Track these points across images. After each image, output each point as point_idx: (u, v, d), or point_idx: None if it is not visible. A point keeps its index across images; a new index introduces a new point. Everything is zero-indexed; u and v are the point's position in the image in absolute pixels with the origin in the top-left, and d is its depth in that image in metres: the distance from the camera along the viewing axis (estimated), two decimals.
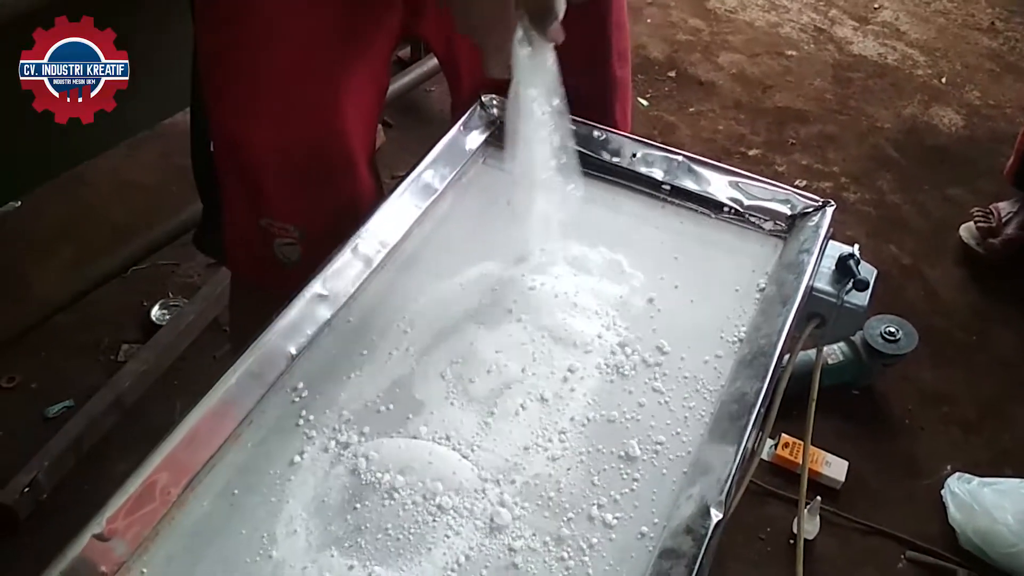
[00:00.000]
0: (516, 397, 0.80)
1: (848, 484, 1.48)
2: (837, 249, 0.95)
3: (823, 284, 0.93)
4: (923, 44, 2.64)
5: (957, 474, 1.47)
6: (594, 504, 0.73)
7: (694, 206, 1.02)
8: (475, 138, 1.07)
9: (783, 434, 1.51)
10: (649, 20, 2.65)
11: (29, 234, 1.84)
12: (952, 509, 1.42)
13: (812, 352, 1.11)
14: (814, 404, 0.99)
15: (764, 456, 1.48)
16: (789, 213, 0.98)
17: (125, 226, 1.82)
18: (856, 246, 0.96)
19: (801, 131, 2.31)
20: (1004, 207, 1.95)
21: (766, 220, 0.99)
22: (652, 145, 1.04)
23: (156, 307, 1.71)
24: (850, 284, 0.93)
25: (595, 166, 1.04)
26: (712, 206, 1.01)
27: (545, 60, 0.86)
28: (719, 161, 1.04)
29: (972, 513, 1.39)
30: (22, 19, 1.03)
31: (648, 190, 1.03)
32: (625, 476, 0.75)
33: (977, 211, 1.99)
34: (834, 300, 0.93)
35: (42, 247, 1.82)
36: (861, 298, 0.93)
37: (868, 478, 1.51)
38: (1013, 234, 1.91)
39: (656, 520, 0.72)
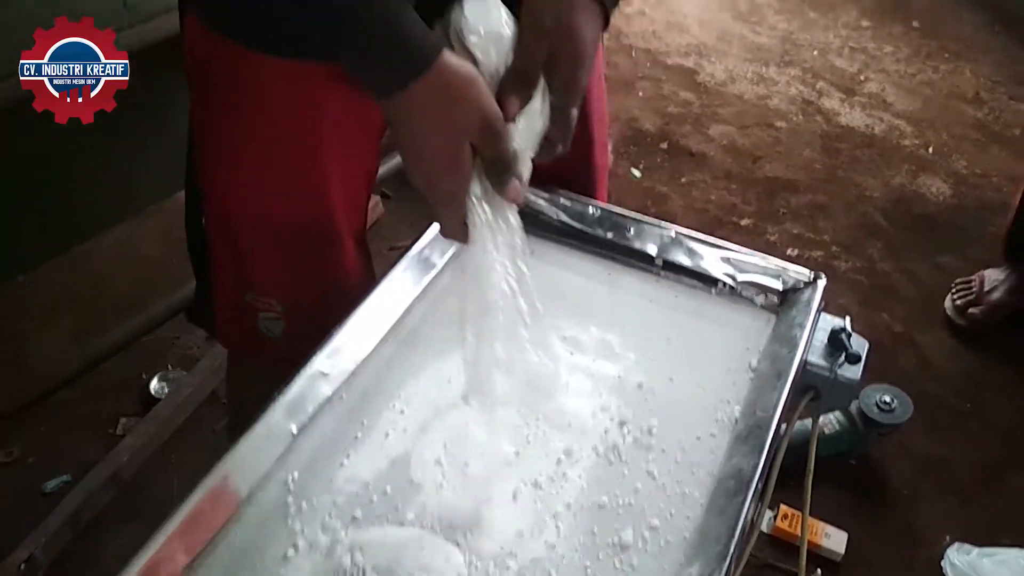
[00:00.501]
0: (510, 481, 0.80)
1: (848, 556, 1.47)
2: (829, 322, 0.97)
3: (816, 358, 0.94)
4: (909, 115, 2.70)
5: (956, 544, 1.47)
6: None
7: (688, 280, 1.04)
8: None
9: (782, 505, 1.51)
10: (641, 93, 2.72)
11: (31, 304, 1.85)
12: None
13: (808, 422, 1.12)
14: (811, 477, 0.99)
15: (763, 528, 1.48)
16: (781, 288, 1.00)
17: (128, 298, 1.84)
18: (847, 319, 0.97)
19: (792, 201, 2.35)
20: (991, 274, 1.98)
21: (759, 294, 1.01)
22: (645, 221, 1.07)
23: (155, 380, 1.72)
24: (843, 358, 0.94)
25: (590, 241, 1.07)
26: (706, 280, 1.03)
27: (508, 219, 0.78)
28: (712, 231, 1.07)
29: None
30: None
31: (642, 264, 1.05)
32: (622, 560, 0.75)
33: (959, 284, 2.02)
34: (827, 374, 0.94)
35: (44, 318, 1.83)
36: (854, 371, 0.95)
37: (867, 549, 1.50)
38: (998, 300, 1.93)
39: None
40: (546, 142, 0.81)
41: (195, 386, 1.67)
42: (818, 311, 0.96)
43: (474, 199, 0.76)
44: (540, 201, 1.09)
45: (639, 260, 1.05)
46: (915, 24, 3.15)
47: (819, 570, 1.40)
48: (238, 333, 1.11)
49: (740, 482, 0.79)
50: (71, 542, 1.46)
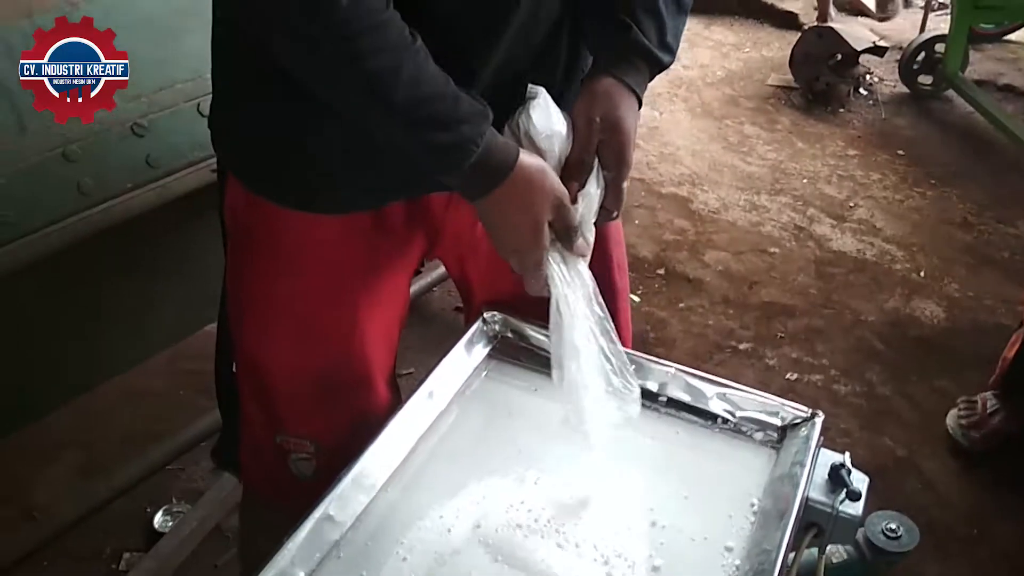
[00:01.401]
0: None
1: None
2: (829, 458, 0.99)
3: (817, 494, 0.96)
4: (900, 240, 2.77)
5: None
6: None
7: (689, 416, 1.06)
8: (478, 352, 1.13)
9: None
10: (637, 221, 2.80)
11: (35, 442, 1.85)
12: None
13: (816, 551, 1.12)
14: None
15: None
16: (780, 424, 1.03)
17: (134, 433, 1.85)
18: (847, 455, 0.99)
19: (789, 324, 2.39)
20: (990, 398, 1.99)
21: (757, 430, 1.04)
22: (645, 358, 1.10)
23: (159, 514, 1.71)
24: (843, 494, 0.96)
25: None
26: (706, 416, 1.06)
27: (580, 273, 0.95)
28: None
29: None
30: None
31: (644, 401, 1.07)
32: None
33: (963, 403, 2.03)
34: (829, 511, 0.95)
35: (49, 456, 1.84)
36: (856, 508, 0.96)
37: None
38: (998, 426, 1.95)
39: None
40: (603, 210, 0.98)
41: (199, 520, 1.66)
42: (817, 447, 0.98)
43: (552, 262, 0.94)
44: (541, 338, 1.13)
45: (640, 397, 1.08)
46: (900, 152, 3.26)
47: None
48: (266, 476, 1.13)
49: None
50: None
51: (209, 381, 1.84)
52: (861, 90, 3.62)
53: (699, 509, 0.94)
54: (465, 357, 1.11)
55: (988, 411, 1.97)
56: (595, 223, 0.97)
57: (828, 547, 1.04)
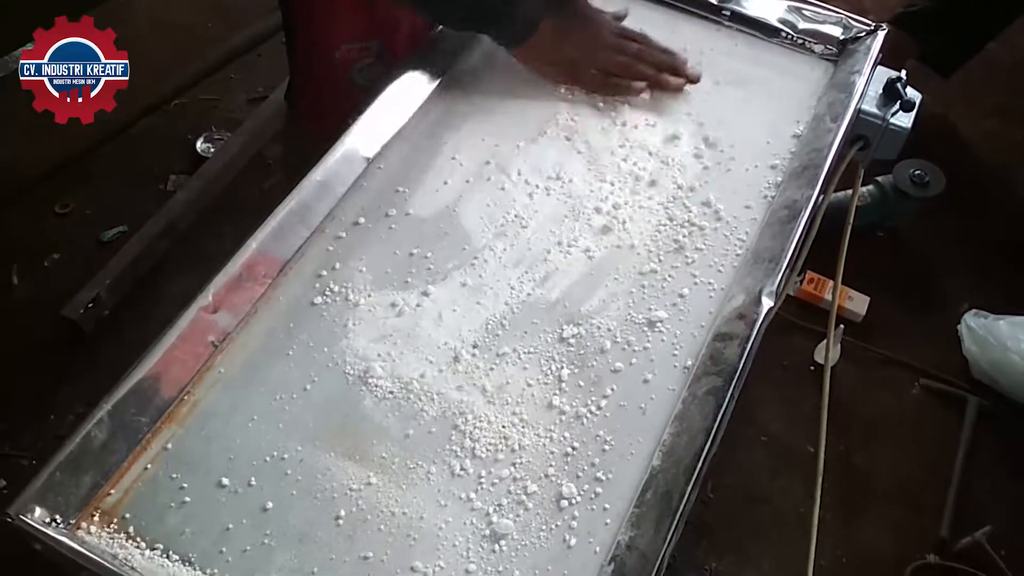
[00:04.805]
0: (560, 239, 0.84)
1: (869, 318, 1.54)
2: (885, 74, 0.98)
3: (870, 107, 0.96)
4: None
5: (973, 310, 1.53)
6: (650, 306, 0.80)
7: (749, 30, 1.04)
8: None
9: (808, 271, 1.57)
10: None
11: None
12: (967, 342, 1.48)
13: (843, 195, 1.15)
14: (853, 211, 1.02)
15: (790, 292, 1.54)
16: (841, 37, 1.01)
17: (165, 64, 1.83)
18: (904, 71, 0.98)
19: None
20: None
21: (818, 44, 1.02)
22: None
23: (201, 140, 1.74)
24: (897, 106, 0.96)
25: None
26: (767, 30, 1.04)
27: None
28: None
29: (986, 345, 1.46)
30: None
31: (702, 12, 1.06)
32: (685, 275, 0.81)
33: None
34: (880, 122, 0.96)
35: None
36: (906, 119, 0.97)
37: (888, 313, 1.57)
38: None
39: (708, 316, 0.79)
40: None
41: (240, 146, 1.69)
42: (876, 60, 0.97)
43: None
44: None
45: (699, 8, 1.06)
46: None
47: (842, 326, 1.48)
48: (324, 106, 1.11)
49: (792, 211, 0.83)
50: (132, 288, 1.54)
51: (234, 13, 1.80)
52: None
53: (755, 116, 0.95)
54: None
55: None
56: None
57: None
